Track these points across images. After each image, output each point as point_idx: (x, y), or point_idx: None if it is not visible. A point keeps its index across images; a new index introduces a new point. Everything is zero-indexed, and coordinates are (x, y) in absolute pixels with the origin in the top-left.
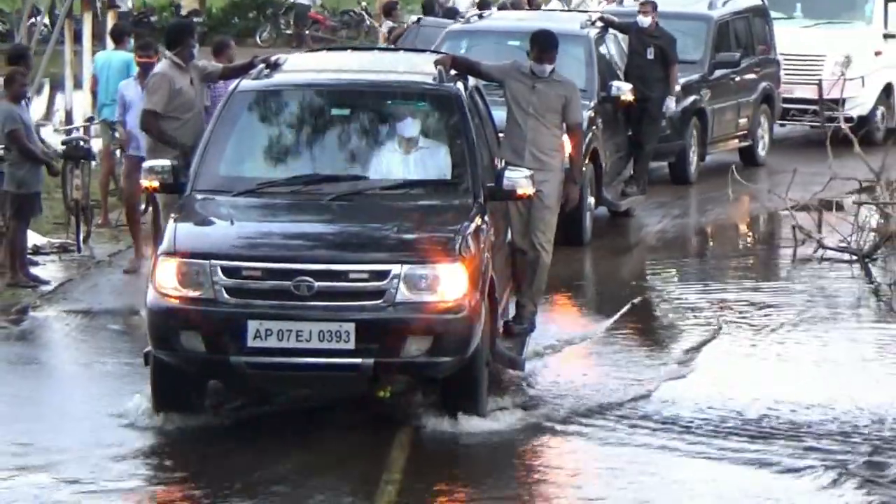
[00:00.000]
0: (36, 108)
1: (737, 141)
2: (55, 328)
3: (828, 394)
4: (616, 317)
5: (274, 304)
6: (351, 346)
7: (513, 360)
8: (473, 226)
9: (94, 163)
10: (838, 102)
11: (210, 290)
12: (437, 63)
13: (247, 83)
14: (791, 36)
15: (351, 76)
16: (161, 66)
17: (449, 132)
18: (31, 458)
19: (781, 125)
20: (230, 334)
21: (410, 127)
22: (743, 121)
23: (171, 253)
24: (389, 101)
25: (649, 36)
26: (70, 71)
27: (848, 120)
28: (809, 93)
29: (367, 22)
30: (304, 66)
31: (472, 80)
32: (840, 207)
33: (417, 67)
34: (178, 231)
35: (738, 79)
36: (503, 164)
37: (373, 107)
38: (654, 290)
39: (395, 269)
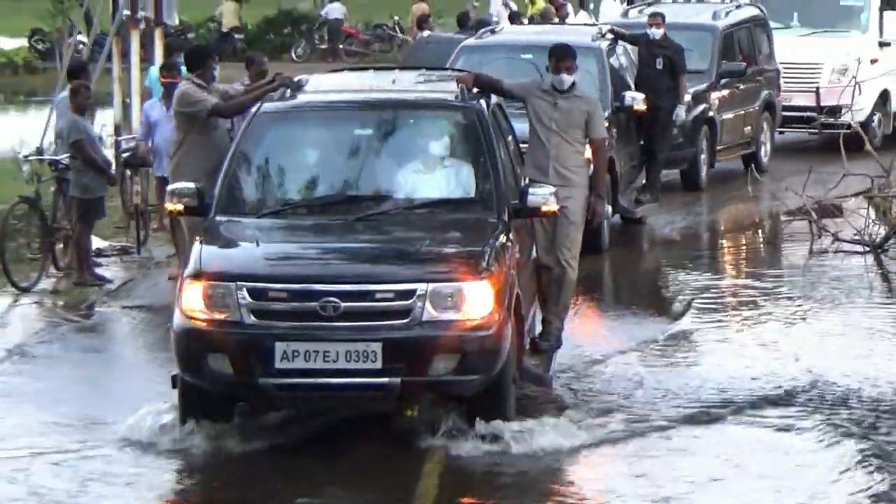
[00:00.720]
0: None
1: (742, 148)
2: (120, 322)
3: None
4: (684, 319)
5: (300, 326)
6: (378, 365)
7: (540, 377)
8: (498, 243)
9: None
10: (840, 110)
11: (237, 313)
12: (459, 81)
13: (269, 105)
14: (789, 45)
15: (373, 95)
16: (184, 85)
17: (472, 150)
18: (107, 433)
19: (780, 132)
20: (257, 356)
21: (433, 145)
22: (748, 129)
23: (197, 276)
24: (412, 120)
25: (658, 46)
26: (119, 87)
27: (847, 126)
28: (808, 100)
29: (400, 36)
30: (326, 87)
31: (493, 98)
32: (838, 209)
33: (440, 86)
34: (203, 253)
35: (742, 87)
36: (527, 181)
37: (396, 125)
38: (694, 286)
39: (421, 287)
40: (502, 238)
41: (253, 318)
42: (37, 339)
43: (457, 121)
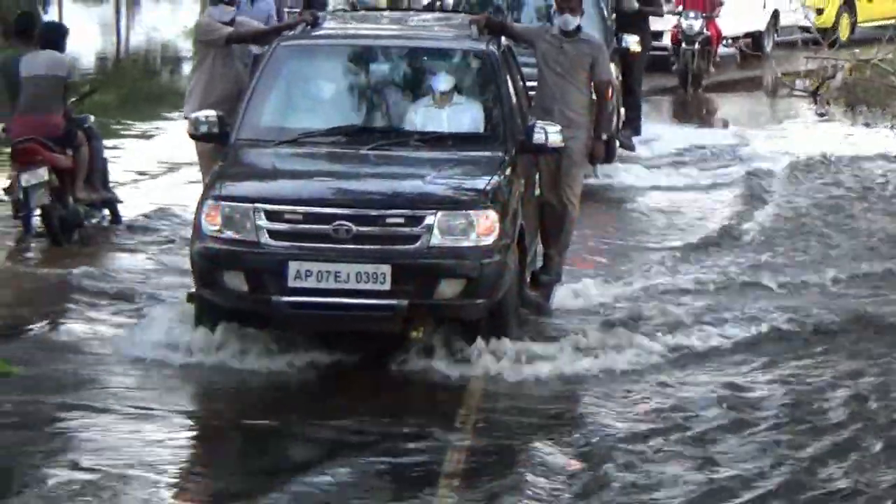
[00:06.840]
0: None
1: None
2: None
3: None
4: None
5: (314, 247)
6: (387, 287)
7: (540, 306)
8: (505, 176)
9: None
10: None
11: (253, 233)
12: (471, 22)
13: (290, 39)
14: None
15: (389, 33)
16: (203, 17)
17: (482, 87)
18: None
19: None
20: (272, 275)
21: (445, 82)
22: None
23: (215, 197)
24: (426, 57)
25: None
26: None
27: None
28: None
29: None
30: (345, 25)
31: (504, 40)
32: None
33: (453, 27)
34: (222, 176)
35: None
36: (534, 120)
37: (410, 63)
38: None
39: (430, 214)
40: (509, 172)
41: (268, 238)
42: None
43: (469, 60)
